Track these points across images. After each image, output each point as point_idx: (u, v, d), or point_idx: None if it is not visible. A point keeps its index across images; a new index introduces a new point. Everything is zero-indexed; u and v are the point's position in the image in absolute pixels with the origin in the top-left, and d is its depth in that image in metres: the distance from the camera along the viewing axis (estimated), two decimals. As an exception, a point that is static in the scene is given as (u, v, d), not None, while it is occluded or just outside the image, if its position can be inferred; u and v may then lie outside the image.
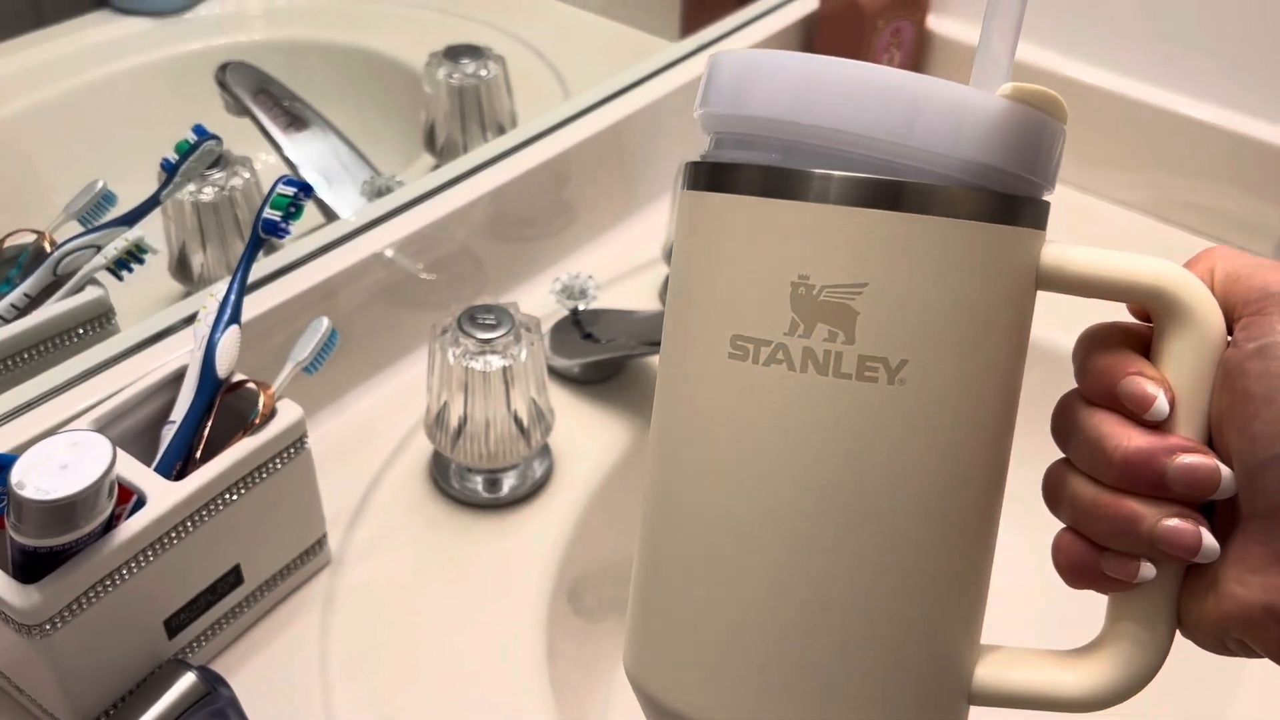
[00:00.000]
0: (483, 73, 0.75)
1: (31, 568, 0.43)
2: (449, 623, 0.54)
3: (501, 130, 0.75)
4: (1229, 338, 0.28)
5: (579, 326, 0.67)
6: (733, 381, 0.27)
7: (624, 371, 0.67)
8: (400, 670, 0.52)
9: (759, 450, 0.27)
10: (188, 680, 0.47)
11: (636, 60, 0.78)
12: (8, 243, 0.57)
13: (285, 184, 0.52)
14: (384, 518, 0.58)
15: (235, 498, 0.48)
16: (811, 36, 0.86)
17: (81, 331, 0.55)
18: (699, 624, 0.28)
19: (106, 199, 0.58)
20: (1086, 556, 0.29)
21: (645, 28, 0.88)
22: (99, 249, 0.56)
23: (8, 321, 0.55)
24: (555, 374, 0.66)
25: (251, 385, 0.51)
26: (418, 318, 0.66)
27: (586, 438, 0.63)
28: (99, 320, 0.56)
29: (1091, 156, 0.81)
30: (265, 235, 0.52)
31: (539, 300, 0.69)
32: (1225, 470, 0.27)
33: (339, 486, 0.59)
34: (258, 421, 0.49)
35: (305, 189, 0.52)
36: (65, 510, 0.41)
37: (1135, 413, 0.27)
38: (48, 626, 0.43)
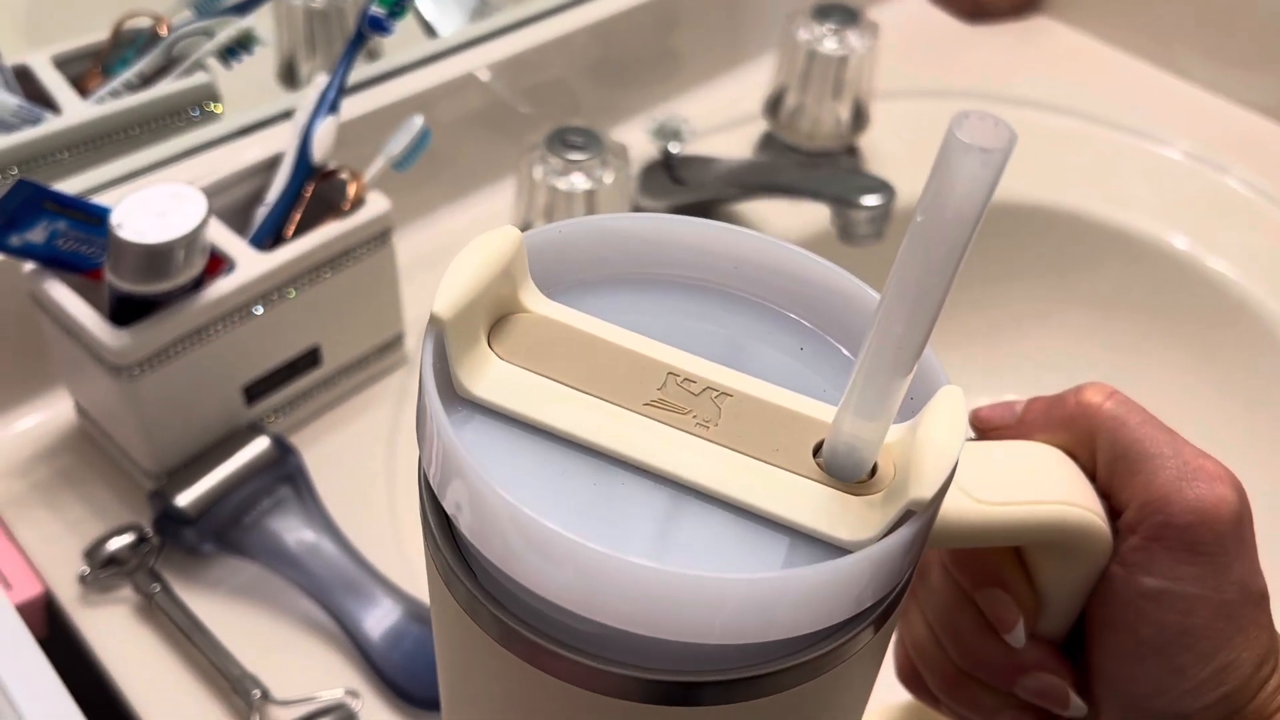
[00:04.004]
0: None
1: (124, 314, 0.45)
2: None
3: (612, -30, 0.75)
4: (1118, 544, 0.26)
5: (669, 170, 0.67)
6: None
7: (711, 216, 0.67)
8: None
9: None
10: (262, 443, 0.49)
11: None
12: (126, 25, 0.59)
13: (392, -18, 0.53)
14: (460, 328, 0.60)
15: (320, 278, 0.50)
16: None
17: (195, 114, 0.57)
18: None
19: (221, -10, 0.59)
20: (924, 694, 0.29)
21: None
22: (212, 36, 0.57)
23: (120, 97, 0.57)
24: (640, 213, 0.66)
25: (344, 175, 0.52)
26: (509, 147, 0.67)
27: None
28: (205, 105, 0.58)
29: (1222, 54, 0.78)
30: (370, 31, 0.53)
31: (632, 144, 0.69)
32: (1076, 700, 0.26)
33: (422, 296, 0.60)
34: (346, 207, 0.51)
35: (411, -12, 0.53)
36: (159, 256, 0.43)
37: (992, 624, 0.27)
38: (136, 370, 0.45)
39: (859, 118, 0.70)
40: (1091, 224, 0.68)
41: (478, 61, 0.63)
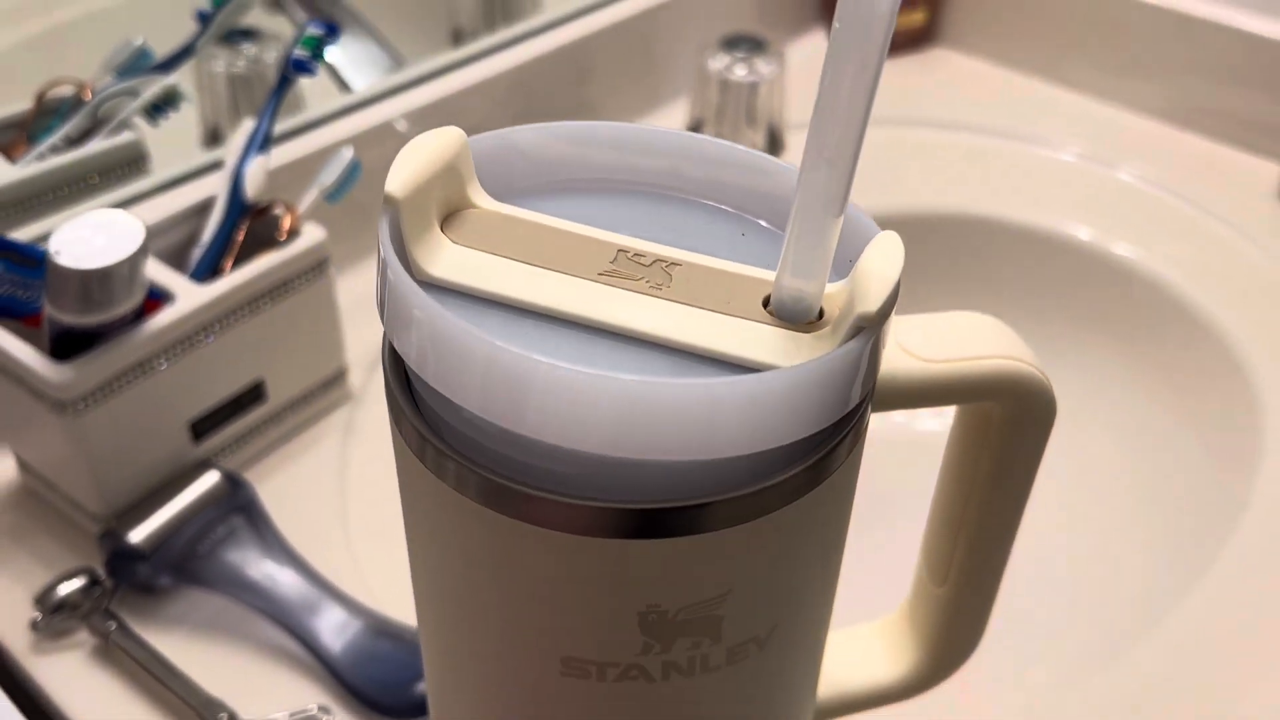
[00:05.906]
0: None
1: (65, 350, 0.45)
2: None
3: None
4: None
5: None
6: (573, 696, 0.24)
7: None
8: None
9: None
10: (212, 476, 0.49)
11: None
12: (49, 94, 0.60)
13: (313, 25, 0.54)
14: (403, 364, 0.60)
15: (259, 310, 0.50)
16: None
17: (122, 173, 0.58)
18: None
19: (144, 56, 0.60)
20: None
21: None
22: (137, 95, 0.58)
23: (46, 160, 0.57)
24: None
25: (278, 210, 0.53)
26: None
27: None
28: (134, 164, 0.59)
29: (1111, 63, 0.82)
30: (294, 73, 0.54)
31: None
32: None
33: (364, 337, 0.61)
34: (282, 237, 0.51)
35: (331, 30, 0.54)
36: (100, 282, 0.43)
37: None
38: (81, 405, 0.45)
39: (774, 143, 0.72)
40: (999, 226, 0.71)
41: (393, 112, 0.65)
